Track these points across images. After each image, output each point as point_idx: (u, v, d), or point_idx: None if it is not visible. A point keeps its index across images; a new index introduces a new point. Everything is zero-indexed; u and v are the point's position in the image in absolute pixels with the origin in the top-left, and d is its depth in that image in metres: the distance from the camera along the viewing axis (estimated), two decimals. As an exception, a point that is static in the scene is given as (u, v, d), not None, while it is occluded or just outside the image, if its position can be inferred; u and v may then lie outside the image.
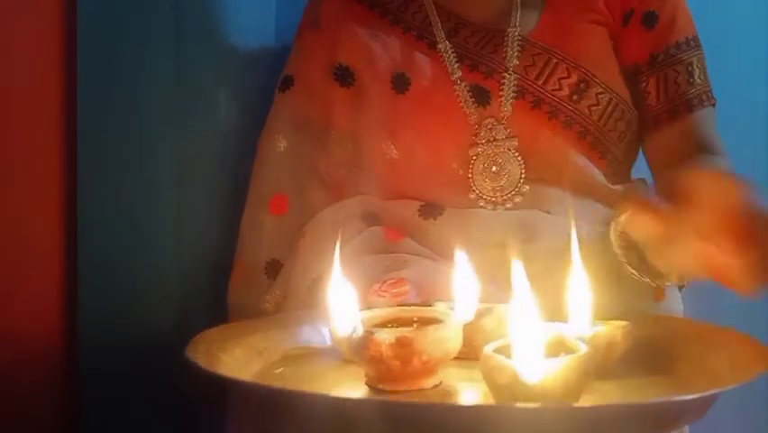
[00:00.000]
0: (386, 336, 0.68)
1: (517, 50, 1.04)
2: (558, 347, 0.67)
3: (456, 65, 1.05)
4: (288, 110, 1.11)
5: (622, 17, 1.07)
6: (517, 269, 0.65)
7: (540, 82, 1.03)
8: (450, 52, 1.06)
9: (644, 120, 1.07)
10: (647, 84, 1.06)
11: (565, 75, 1.03)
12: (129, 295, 1.01)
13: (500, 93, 1.03)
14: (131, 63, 1.01)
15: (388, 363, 0.68)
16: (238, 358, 0.75)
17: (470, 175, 1.02)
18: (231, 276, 1.07)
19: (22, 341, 0.95)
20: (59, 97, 0.98)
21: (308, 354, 0.82)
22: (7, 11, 0.93)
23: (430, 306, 0.81)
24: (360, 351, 0.69)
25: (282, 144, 1.09)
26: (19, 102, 0.95)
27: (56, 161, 0.98)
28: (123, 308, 0.99)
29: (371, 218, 1.06)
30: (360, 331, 0.69)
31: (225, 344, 0.75)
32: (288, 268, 1.04)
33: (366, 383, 0.72)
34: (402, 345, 0.68)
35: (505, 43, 1.05)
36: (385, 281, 0.92)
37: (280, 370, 0.78)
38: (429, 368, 0.69)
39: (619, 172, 1.07)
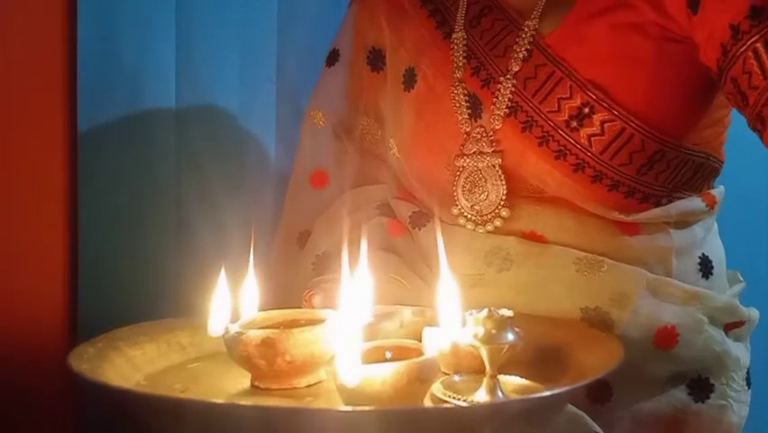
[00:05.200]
0: (253, 337, 0.72)
1: (525, 52, 0.94)
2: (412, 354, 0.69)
3: (462, 62, 0.98)
4: (329, 87, 1.12)
5: (687, 6, 0.87)
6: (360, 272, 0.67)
7: (537, 100, 0.91)
8: (461, 44, 0.99)
9: (752, 120, 0.84)
10: (744, 63, 0.82)
11: (567, 95, 0.90)
12: (129, 295, 1.06)
13: (493, 103, 0.94)
14: (131, 63, 1.06)
15: (255, 363, 0.72)
16: (148, 352, 0.81)
17: (454, 188, 0.96)
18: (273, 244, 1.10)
19: (22, 341, 0.98)
20: (60, 98, 1.02)
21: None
22: (8, 12, 0.97)
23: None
24: (231, 350, 0.74)
25: (321, 121, 1.11)
26: (20, 102, 0.99)
27: (57, 162, 1.03)
28: (124, 309, 1.03)
29: (387, 209, 1.07)
30: (232, 331, 0.74)
31: (138, 338, 0.82)
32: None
33: (250, 381, 0.76)
34: (266, 345, 0.72)
35: (516, 43, 0.94)
36: (308, 291, 0.94)
37: (195, 365, 0.83)
38: (296, 368, 0.73)
39: (658, 198, 0.92)
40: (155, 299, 1.07)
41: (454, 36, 1.00)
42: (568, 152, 0.90)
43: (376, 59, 1.09)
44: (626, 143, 0.89)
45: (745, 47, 0.82)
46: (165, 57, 1.09)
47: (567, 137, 0.90)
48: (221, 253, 1.10)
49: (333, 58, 1.12)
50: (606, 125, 0.88)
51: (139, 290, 1.07)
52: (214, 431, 0.62)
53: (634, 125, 0.88)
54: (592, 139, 0.89)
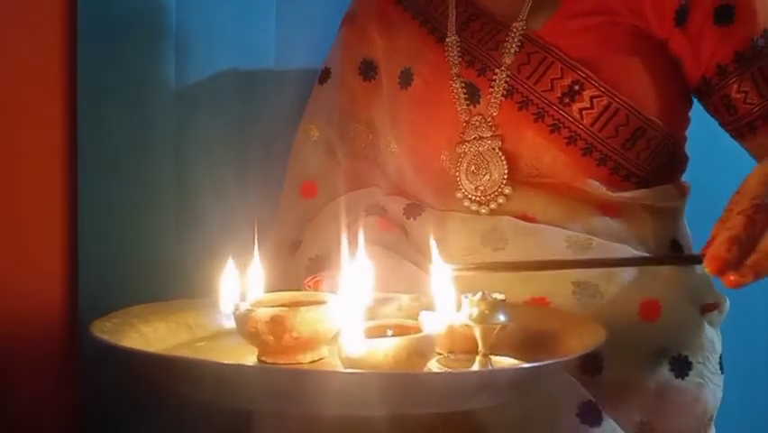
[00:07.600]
0: (262, 314, 0.77)
1: (516, 47, 1.03)
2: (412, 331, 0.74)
3: (458, 59, 1.06)
4: (322, 102, 1.21)
5: (672, 19, 1.00)
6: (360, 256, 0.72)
7: (531, 82, 1.01)
8: (455, 47, 1.07)
9: (738, 126, 1.01)
10: (740, 85, 0.99)
11: (558, 75, 1.00)
12: (129, 295, 1.06)
13: (490, 91, 1.03)
14: (131, 64, 1.09)
15: (264, 338, 0.77)
16: (158, 330, 0.86)
17: (457, 173, 1.05)
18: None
19: (23, 340, 1.01)
20: (60, 97, 1.05)
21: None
22: (8, 11, 1.00)
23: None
24: (241, 326, 0.78)
25: (315, 134, 1.20)
26: (20, 102, 1.01)
27: (57, 162, 1.05)
28: (122, 306, 1.06)
29: (377, 210, 1.13)
30: (242, 309, 0.78)
31: (149, 317, 0.86)
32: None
33: (257, 357, 0.81)
34: (275, 322, 0.76)
35: (507, 39, 1.04)
36: (312, 277, 1.00)
37: (202, 343, 0.87)
38: (302, 344, 0.78)
39: (638, 178, 1.03)
40: (154, 297, 1.08)
41: (447, 40, 1.08)
42: (562, 126, 1.00)
43: (367, 70, 1.17)
44: (613, 117, 0.99)
45: (744, 71, 0.98)
46: (165, 56, 1.12)
47: (560, 111, 1.00)
48: (219, 251, 1.15)
49: (324, 76, 1.21)
50: (594, 100, 0.99)
51: (138, 289, 1.08)
52: (227, 394, 0.68)
53: (618, 100, 0.99)
54: (583, 112, 1.00)
